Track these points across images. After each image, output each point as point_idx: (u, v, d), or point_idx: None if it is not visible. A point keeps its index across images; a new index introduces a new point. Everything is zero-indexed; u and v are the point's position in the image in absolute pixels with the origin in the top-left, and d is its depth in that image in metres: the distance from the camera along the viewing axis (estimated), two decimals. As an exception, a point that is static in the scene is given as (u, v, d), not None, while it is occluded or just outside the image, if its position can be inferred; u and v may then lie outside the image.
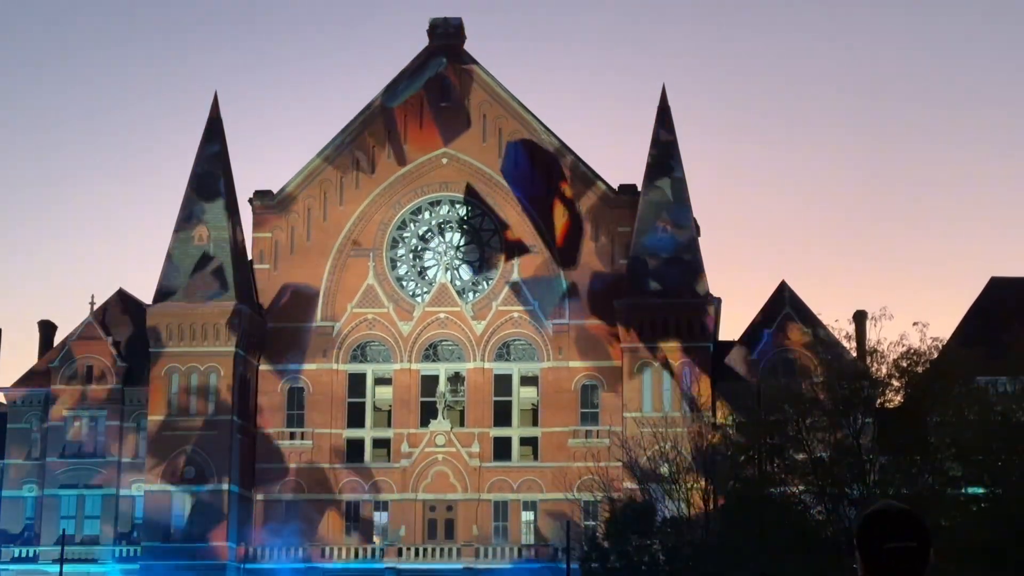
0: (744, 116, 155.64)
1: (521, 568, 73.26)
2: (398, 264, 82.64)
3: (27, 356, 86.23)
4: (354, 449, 79.30)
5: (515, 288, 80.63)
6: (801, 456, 45.79)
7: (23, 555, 77.23)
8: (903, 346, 45.55)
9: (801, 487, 45.73)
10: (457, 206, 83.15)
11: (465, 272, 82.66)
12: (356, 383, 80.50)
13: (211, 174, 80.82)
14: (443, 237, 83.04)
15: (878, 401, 46.18)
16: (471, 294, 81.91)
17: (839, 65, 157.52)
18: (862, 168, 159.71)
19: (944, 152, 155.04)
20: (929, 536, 4.41)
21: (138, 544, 76.22)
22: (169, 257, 79.41)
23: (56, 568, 67.71)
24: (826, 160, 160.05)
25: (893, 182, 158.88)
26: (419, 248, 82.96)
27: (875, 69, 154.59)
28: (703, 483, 56.70)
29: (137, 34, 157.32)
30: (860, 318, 61.56)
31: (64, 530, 74.21)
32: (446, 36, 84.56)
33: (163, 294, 78.42)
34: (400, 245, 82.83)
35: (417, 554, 75.47)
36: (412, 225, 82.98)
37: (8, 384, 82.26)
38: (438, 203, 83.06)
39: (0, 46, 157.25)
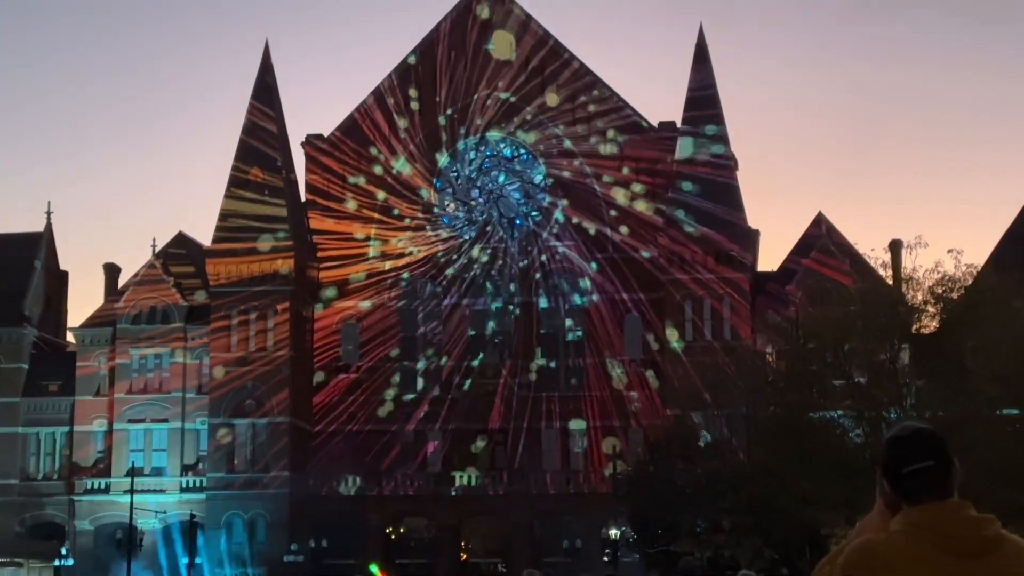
0: (779, 51, 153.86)
1: (572, 493, 73.58)
2: (446, 202, 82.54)
3: (94, 298, 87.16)
4: (407, 380, 79.59)
5: (561, 223, 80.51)
6: (839, 382, 45.44)
7: (96, 487, 78.33)
8: (938, 273, 44.96)
9: (840, 412, 45.38)
10: (502, 146, 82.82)
11: (511, 209, 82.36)
12: (408, 318, 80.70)
13: (264, 120, 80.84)
14: (489, 176, 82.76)
15: (914, 327, 45.69)
16: (517, 231, 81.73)
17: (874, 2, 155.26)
18: (895, 98, 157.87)
19: (976, 81, 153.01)
20: (946, 450, 4.18)
21: (203, 475, 77.14)
22: (226, 200, 79.66)
23: (127, 498, 68.53)
24: (860, 93, 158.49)
25: (926, 112, 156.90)
26: (466, 187, 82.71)
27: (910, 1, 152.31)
28: (744, 409, 56.50)
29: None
30: (895, 247, 60.78)
31: (133, 462, 75.16)
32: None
33: (221, 237, 78.73)
34: (447, 184, 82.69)
35: (469, 480, 75.88)
36: (459, 165, 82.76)
37: (77, 325, 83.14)
38: (484, 143, 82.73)
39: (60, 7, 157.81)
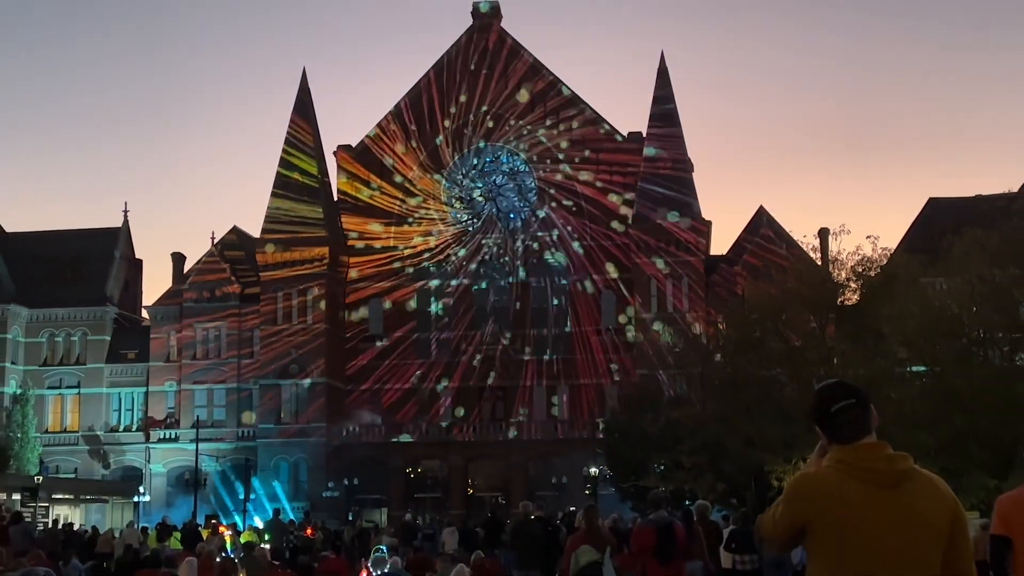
0: (729, 72, 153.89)
1: (558, 438, 73.64)
2: (453, 201, 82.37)
3: (164, 281, 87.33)
4: (422, 347, 79.57)
5: (548, 217, 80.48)
6: (777, 345, 45.37)
7: (167, 436, 78.47)
8: (859, 255, 44.85)
9: (778, 370, 45.29)
10: (499, 153, 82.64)
11: (507, 206, 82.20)
12: (423, 296, 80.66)
13: (302, 132, 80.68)
14: (488, 178, 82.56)
15: (839, 300, 45.58)
16: (513, 223, 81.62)
17: (798, 25, 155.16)
18: (823, 110, 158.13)
19: (889, 94, 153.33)
20: (864, 396, 4.29)
21: (255, 427, 77.19)
22: (272, 199, 79.52)
23: (192, 446, 68.65)
24: (794, 105, 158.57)
25: (848, 121, 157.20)
26: (470, 188, 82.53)
27: (822, 15, 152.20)
28: (700, 369, 56.51)
29: (238, 16, 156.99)
30: (824, 234, 60.77)
31: (198, 416, 75.19)
32: (486, 16, 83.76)
33: (268, 230, 78.60)
34: (454, 185, 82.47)
35: (474, 429, 75.94)
36: (463, 169, 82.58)
37: (150, 304, 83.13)
38: (484, 151, 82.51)
39: (131, 25, 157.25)
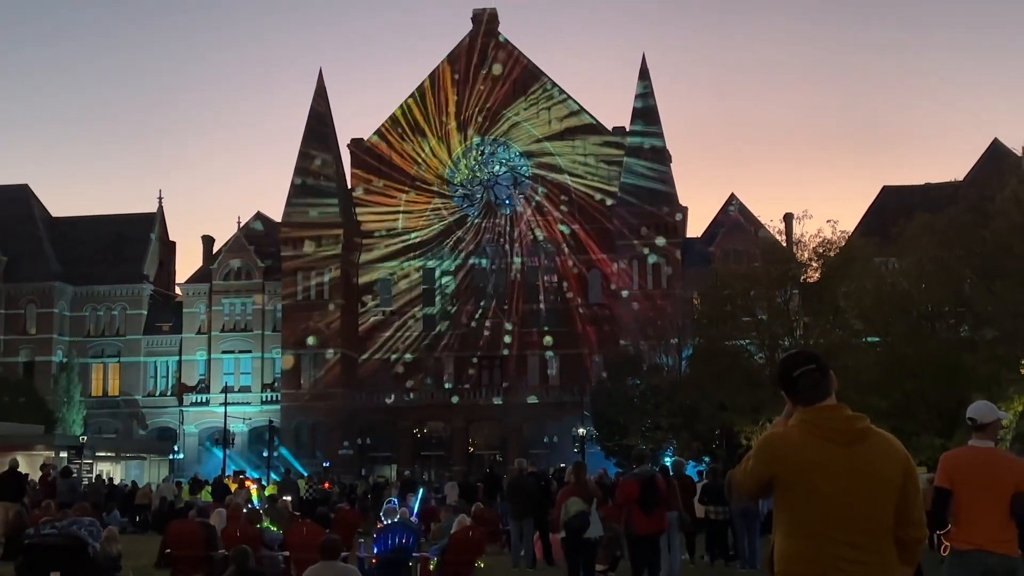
0: (704, 71, 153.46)
1: (550, 402, 73.73)
2: (455, 188, 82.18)
3: (195, 260, 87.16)
4: (428, 321, 79.58)
5: (541, 203, 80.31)
6: (747, 318, 45.45)
7: (198, 401, 78.44)
8: (819, 237, 44.97)
9: (747, 340, 45.41)
10: (496, 145, 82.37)
11: (505, 193, 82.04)
12: (427, 274, 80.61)
13: (319, 127, 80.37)
14: (487, 168, 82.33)
15: (802, 278, 45.66)
16: (509, 209, 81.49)
17: (771, 31, 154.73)
18: (790, 107, 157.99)
19: (853, 89, 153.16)
20: (824, 362, 4.28)
21: (278, 391, 77.19)
22: (292, 187, 79.26)
23: (222, 409, 68.68)
24: (763, 103, 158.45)
25: (811, 117, 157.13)
26: (470, 176, 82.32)
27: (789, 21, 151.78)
28: (676, 339, 56.60)
29: (261, 20, 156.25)
30: (788, 218, 60.70)
31: (226, 383, 75.11)
32: (485, 22, 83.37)
33: (289, 214, 78.39)
34: (456, 174, 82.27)
35: (474, 394, 76.03)
36: (464, 160, 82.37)
37: (183, 281, 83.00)
38: (483, 143, 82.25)
39: (158, 34, 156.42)
